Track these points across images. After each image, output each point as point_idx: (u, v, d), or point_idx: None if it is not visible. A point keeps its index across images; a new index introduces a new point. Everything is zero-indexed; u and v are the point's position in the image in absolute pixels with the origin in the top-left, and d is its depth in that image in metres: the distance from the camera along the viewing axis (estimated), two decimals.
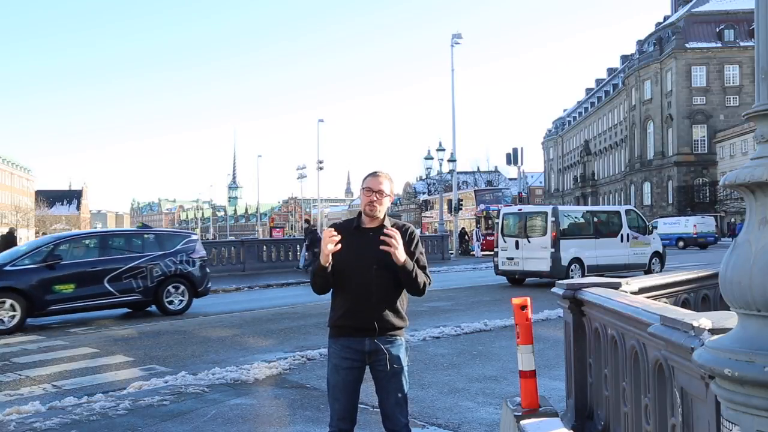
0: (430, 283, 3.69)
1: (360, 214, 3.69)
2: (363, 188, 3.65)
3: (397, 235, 3.46)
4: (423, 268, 3.66)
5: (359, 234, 3.62)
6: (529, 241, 18.12)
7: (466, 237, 40.58)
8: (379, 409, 3.77)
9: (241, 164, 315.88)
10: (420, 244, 3.73)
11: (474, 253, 37.31)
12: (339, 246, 3.45)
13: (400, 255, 3.46)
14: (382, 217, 3.65)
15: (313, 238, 23.59)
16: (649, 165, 71.10)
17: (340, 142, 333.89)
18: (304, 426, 5.85)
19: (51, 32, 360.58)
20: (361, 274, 3.51)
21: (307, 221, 29.28)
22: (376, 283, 3.51)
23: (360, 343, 3.58)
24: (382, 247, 3.42)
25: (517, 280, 18.92)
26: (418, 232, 3.89)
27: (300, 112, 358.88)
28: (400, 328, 3.66)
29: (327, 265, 3.49)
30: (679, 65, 66.57)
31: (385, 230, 3.47)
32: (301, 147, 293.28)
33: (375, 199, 3.59)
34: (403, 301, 3.69)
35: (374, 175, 3.67)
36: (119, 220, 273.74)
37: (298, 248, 26.72)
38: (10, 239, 22.83)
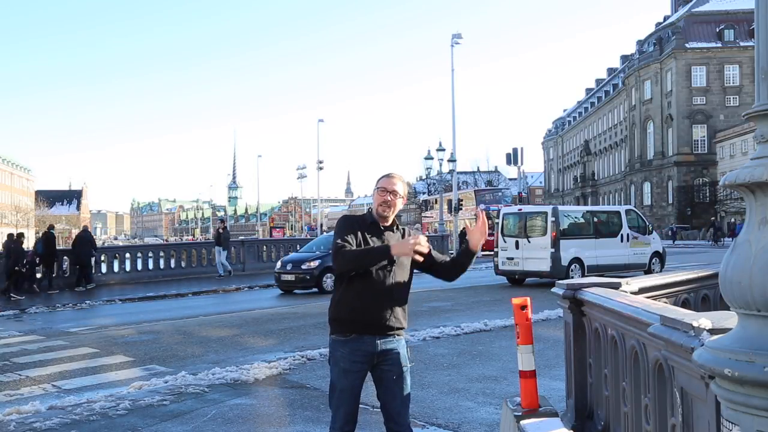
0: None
1: (370, 212, 3.72)
2: (377, 188, 3.69)
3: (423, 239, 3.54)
4: None
5: (376, 230, 3.65)
6: (529, 241, 18.11)
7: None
8: (379, 410, 3.76)
9: (241, 164, 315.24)
10: None
11: None
12: (427, 248, 3.55)
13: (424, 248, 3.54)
14: (391, 219, 3.70)
15: (224, 237, 23.54)
16: (649, 165, 71.07)
17: (340, 142, 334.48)
18: (304, 426, 5.85)
19: (51, 32, 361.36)
20: (378, 271, 3.53)
21: (222, 221, 28.29)
22: (392, 281, 3.55)
23: (370, 344, 3.56)
24: (417, 248, 3.46)
25: (517, 280, 18.92)
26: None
27: (300, 112, 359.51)
28: (403, 328, 3.69)
29: (394, 258, 3.52)
30: (679, 65, 66.54)
31: (412, 237, 3.51)
32: (301, 147, 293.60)
33: (389, 199, 3.63)
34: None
35: (388, 176, 3.72)
36: (119, 220, 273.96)
37: (219, 252, 23.50)
38: None
